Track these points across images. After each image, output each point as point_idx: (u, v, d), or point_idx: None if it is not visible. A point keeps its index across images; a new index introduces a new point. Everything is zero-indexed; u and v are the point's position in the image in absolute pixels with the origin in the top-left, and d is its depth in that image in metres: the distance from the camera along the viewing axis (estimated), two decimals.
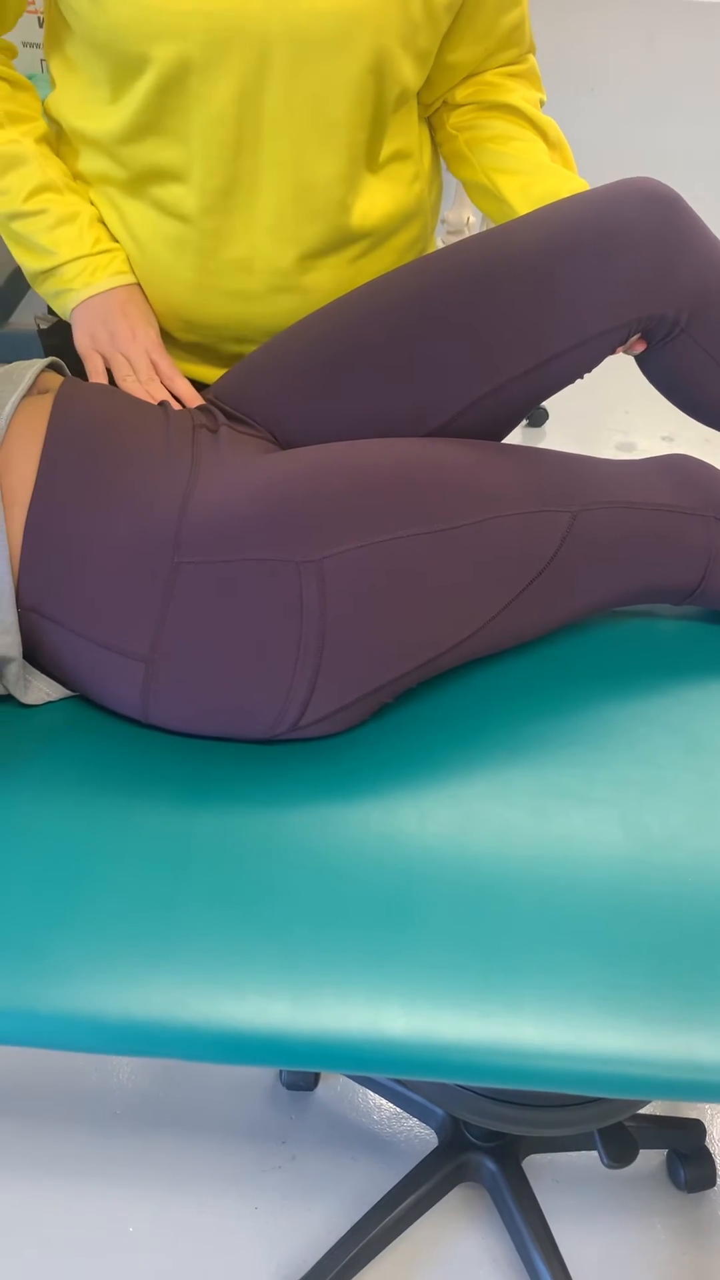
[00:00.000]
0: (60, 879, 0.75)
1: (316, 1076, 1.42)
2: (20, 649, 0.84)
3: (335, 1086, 1.42)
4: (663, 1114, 1.37)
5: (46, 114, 1.09)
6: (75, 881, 0.75)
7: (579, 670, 0.96)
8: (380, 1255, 1.26)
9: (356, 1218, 1.25)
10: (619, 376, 1.52)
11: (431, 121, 1.15)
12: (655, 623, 1.03)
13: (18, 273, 2.72)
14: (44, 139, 1.06)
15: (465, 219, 2.28)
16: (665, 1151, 1.37)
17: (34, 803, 0.80)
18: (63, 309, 1.07)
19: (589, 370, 0.98)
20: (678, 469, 0.98)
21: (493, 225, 1.04)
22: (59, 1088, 1.41)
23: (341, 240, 1.04)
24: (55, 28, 1.02)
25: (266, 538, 0.81)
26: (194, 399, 1.03)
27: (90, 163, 1.05)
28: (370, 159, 1.02)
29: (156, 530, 0.82)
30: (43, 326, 1.22)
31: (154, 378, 1.03)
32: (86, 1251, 1.26)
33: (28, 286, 2.85)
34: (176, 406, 1.01)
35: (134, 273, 1.06)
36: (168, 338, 1.12)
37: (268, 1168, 1.34)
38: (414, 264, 1.00)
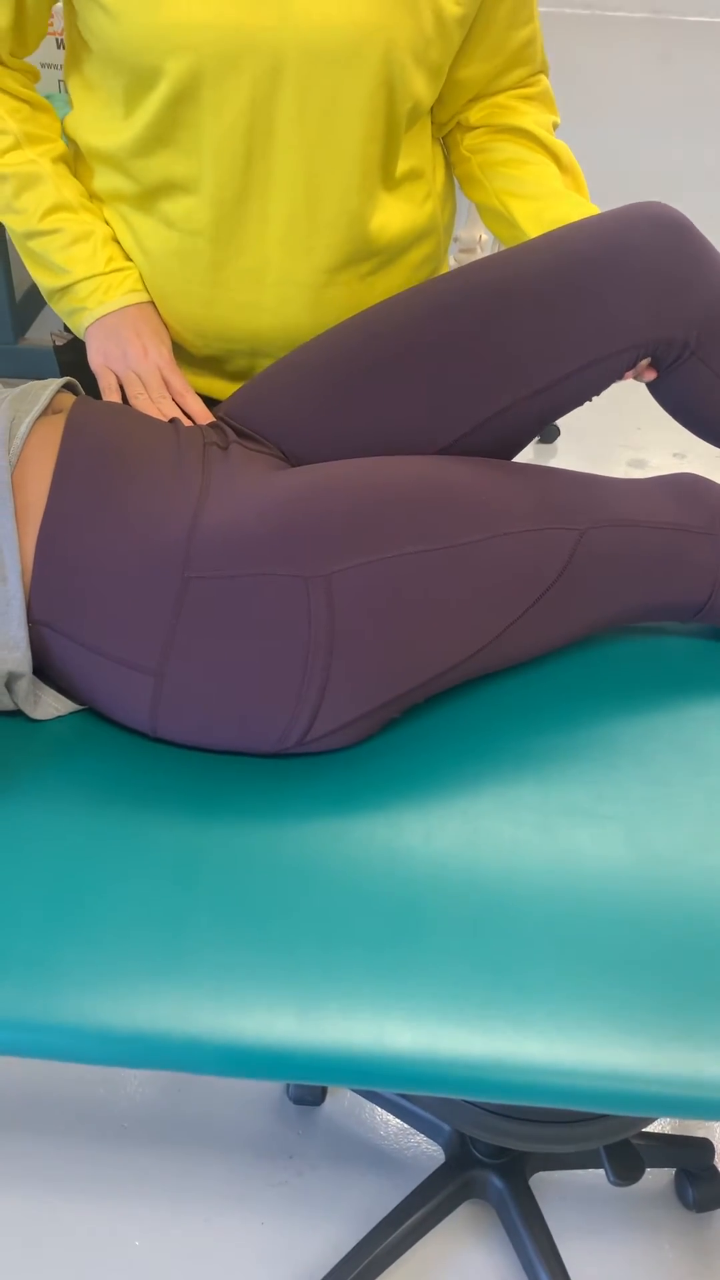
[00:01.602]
0: (69, 892, 0.76)
1: (324, 1091, 1.42)
2: (30, 664, 0.85)
3: (342, 1102, 1.42)
4: (671, 1132, 1.37)
5: (65, 134, 1.10)
6: (84, 895, 0.76)
7: (586, 687, 0.96)
8: (386, 1271, 1.26)
9: (363, 1233, 1.25)
10: (631, 394, 1.53)
11: (445, 142, 1.17)
12: (663, 640, 1.03)
13: (34, 290, 2.75)
14: (61, 159, 1.07)
15: (478, 238, 2.29)
16: (674, 1170, 1.36)
17: (43, 816, 0.81)
18: (77, 327, 1.09)
19: (598, 393, 0.99)
20: (685, 487, 0.99)
21: (504, 247, 1.05)
22: (66, 1102, 1.41)
23: (355, 255, 1.05)
24: (74, 49, 1.04)
25: (275, 553, 0.82)
26: (205, 416, 1.04)
27: (105, 180, 1.07)
28: (385, 175, 1.03)
29: (167, 545, 0.83)
30: (58, 343, 1.23)
31: (165, 395, 1.04)
32: (92, 1265, 1.26)
33: (44, 303, 2.87)
34: (188, 423, 1.02)
35: (147, 290, 1.08)
36: (181, 352, 1.13)
37: (274, 1182, 1.34)
38: (426, 285, 1.01)
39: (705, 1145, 1.33)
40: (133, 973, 0.72)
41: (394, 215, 1.06)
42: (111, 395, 1.05)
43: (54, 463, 0.87)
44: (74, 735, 0.87)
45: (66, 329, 1.17)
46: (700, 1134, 1.38)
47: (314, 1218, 1.31)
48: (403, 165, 1.05)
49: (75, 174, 1.10)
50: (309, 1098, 1.41)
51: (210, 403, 1.08)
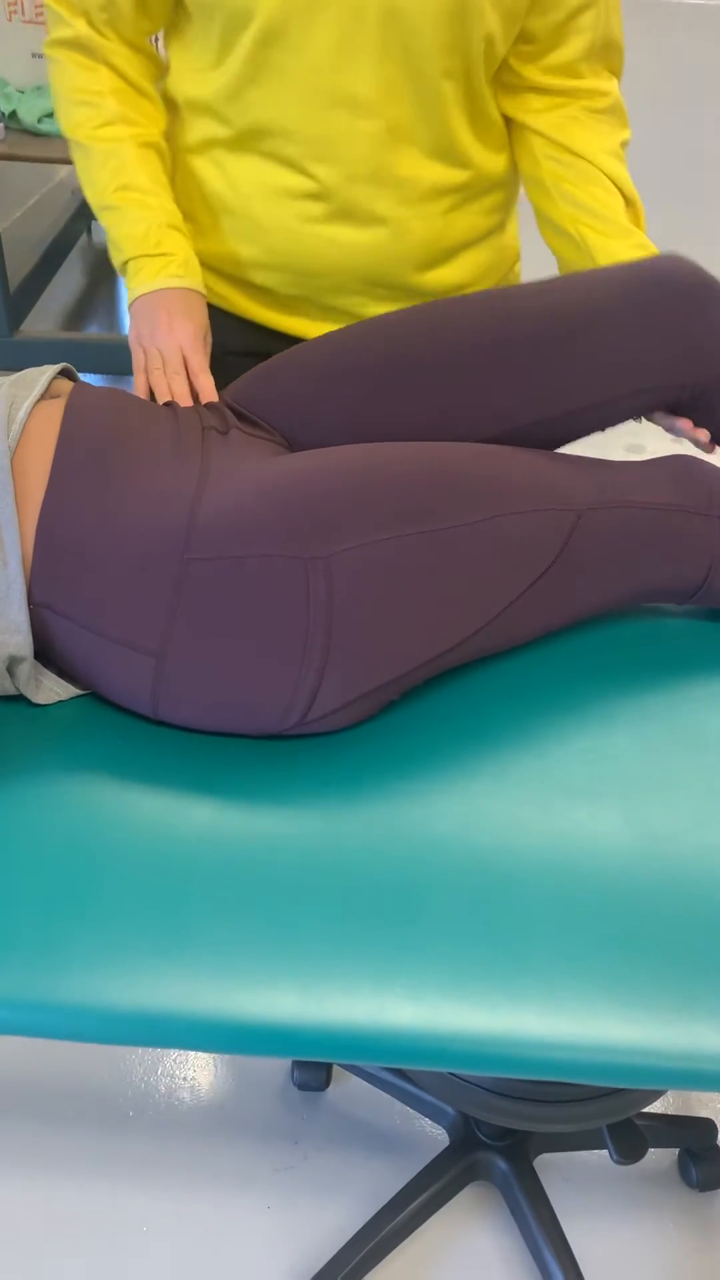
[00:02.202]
0: (71, 873, 0.76)
1: (328, 1076, 1.42)
2: (31, 648, 0.85)
3: (347, 1087, 1.43)
4: (674, 1112, 1.37)
5: (164, 96, 1.15)
6: (86, 875, 0.76)
7: (584, 667, 0.96)
8: (392, 1254, 1.27)
9: (368, 1217, 1.26)
10: None
11: (511, 128, 1.18)
12: (660, 621, 1.04)
13: (28, 283, 2.75)
14: (148, 145, 1.11)
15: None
16: (677, 1151, 1.37)
17: (44, 798, 0.81)
18: (129, 303, 1.13)
19: (612, 424, 1.04)
20: (682, 469, 0.99)
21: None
22: (73, 1088, 1.42)
23: (435, 191, 1.10)
24: (174, 18, 1.10)
25: (275, 535, 0.82)
26: (212, 395, 1.06)
27: (201, 129, 1.12)
28: (464, 114, 1.08)
29: (167, 527, 0.83)
30: None
31: (180, 371, 1.06)
32: (100, 1250, 1.26)
33: (39, 295, 2.88)
34: (188, 403, 1.04)
35: (191, 277, 1.10)
36: (270, 295, 1.18)
37: (280, 1167, 1.35)
38: (469, 298, 1.03)
39: (708, 1125, 1.33)
40: (136, 953, 0.72)
41: (474, 153, 1.12)
42: (139, 372, 1.08)
43: (54, 446, 0.87)
44: (75, 718, 0.88)
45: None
46: (703, 1114, 1.38)
47: (320, 1201, 1.31)
48: (479, 109, 1.10)
49: (171, 133, 1.15)
50: (313, 1083, 1.41)
51: (298, 342, 1.15)
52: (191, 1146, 1.36)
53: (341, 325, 1.18)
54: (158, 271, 1.08)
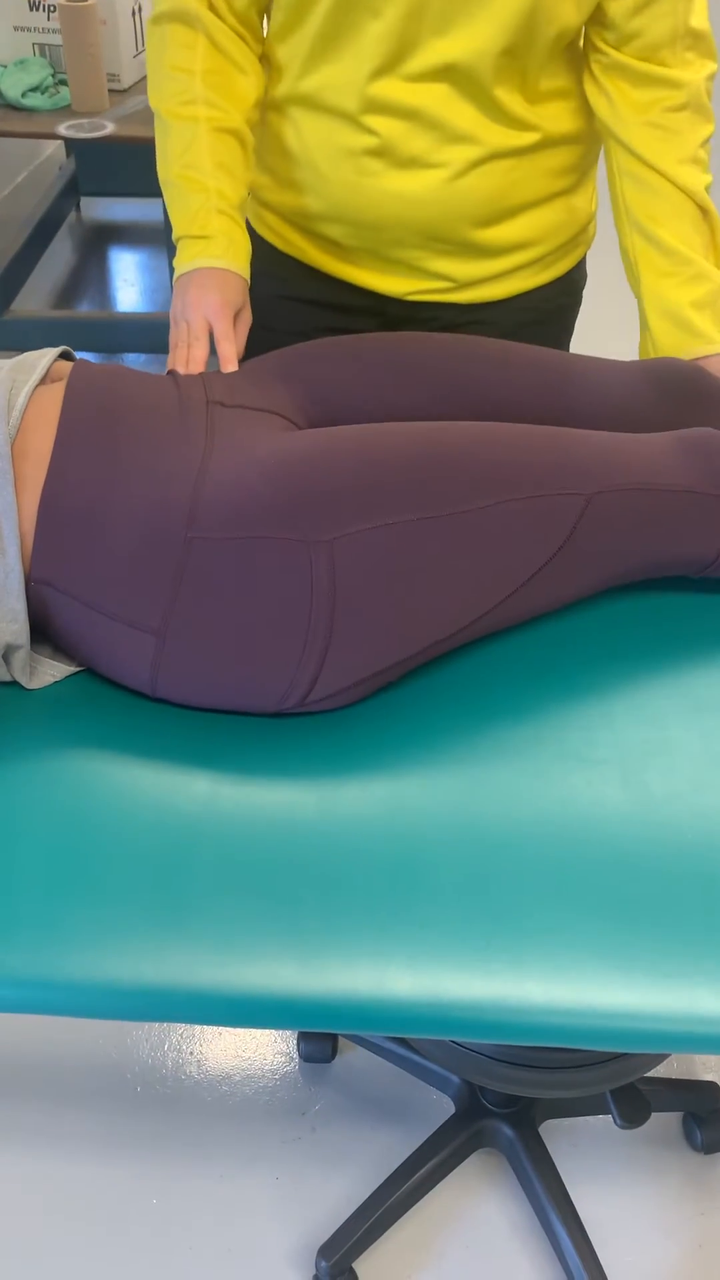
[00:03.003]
0: (72, 851, 0.76)
1: (334, 1048, 1.43)
2: (28, 636, 0.85)
3: (352, 1058, 1.44)
4: (678, 1077, 1.38)
5: (265, 55, 1.16)
6: (87, 853, 0.76)
7: (581, 637, 0.96)
8: (400, 1221, 1.28)
9: (376, 1185, 1.27)
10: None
11: (604, 138, 1.17)
12: (659, 591, 1.03)
13: (16, 262, 2.73)
14: (225, 130, 1.11)
15: None
16: (681, 1114, 1.38)
17: (42, 775, 0.81)
18: (173, 281, 1.14)
19: None
20: (698, 447, 0.96)
21: None
22: (80, 1064, 1.42)
23: (495, 150, 1.12)
24: None
25: (279, 517, 0.82)
26: (232, 363, 1.06)
27: (278, 87, 1.15)
28: (525, 83, 1.10)
29: (170, 505, 0.82)
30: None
31: (202, 338, 1.07)
32: (111, 1223, 1.28)
33: (28, 274, 2.85)
34: (200, 368, 1.04)
35: (228, 258, 1.10)
36: (337, 247, 1.21)
37: (288, 1139, 1.36)
38: (498, 354, 1.05)
39: (711, 1088, 1.34)
40: (137, 927, 0.72)
41: (535, 118, 1.12)
42: (173, 349, 1.09)
43: (55, 429, 0.86)
44: (73, 695, 0.87)
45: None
46: (707, 1077, 1.39)
47: (327, 1172, 1.33)
48: (548, 83, 1.12)
49: (266, 84, 1.16)
50: (319, 1055, 1.42)
51: (365, 294, 1.21)
52: (199, 1120, 1.37)
53: (405, 278, 1.21)
54: (199, 252, 1.10)
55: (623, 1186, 1.32)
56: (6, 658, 0.86)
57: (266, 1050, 1.45)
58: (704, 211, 1.13)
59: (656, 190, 1.12)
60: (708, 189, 1.13)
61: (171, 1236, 1.27)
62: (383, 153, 1.11)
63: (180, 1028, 1.47)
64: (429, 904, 0.74)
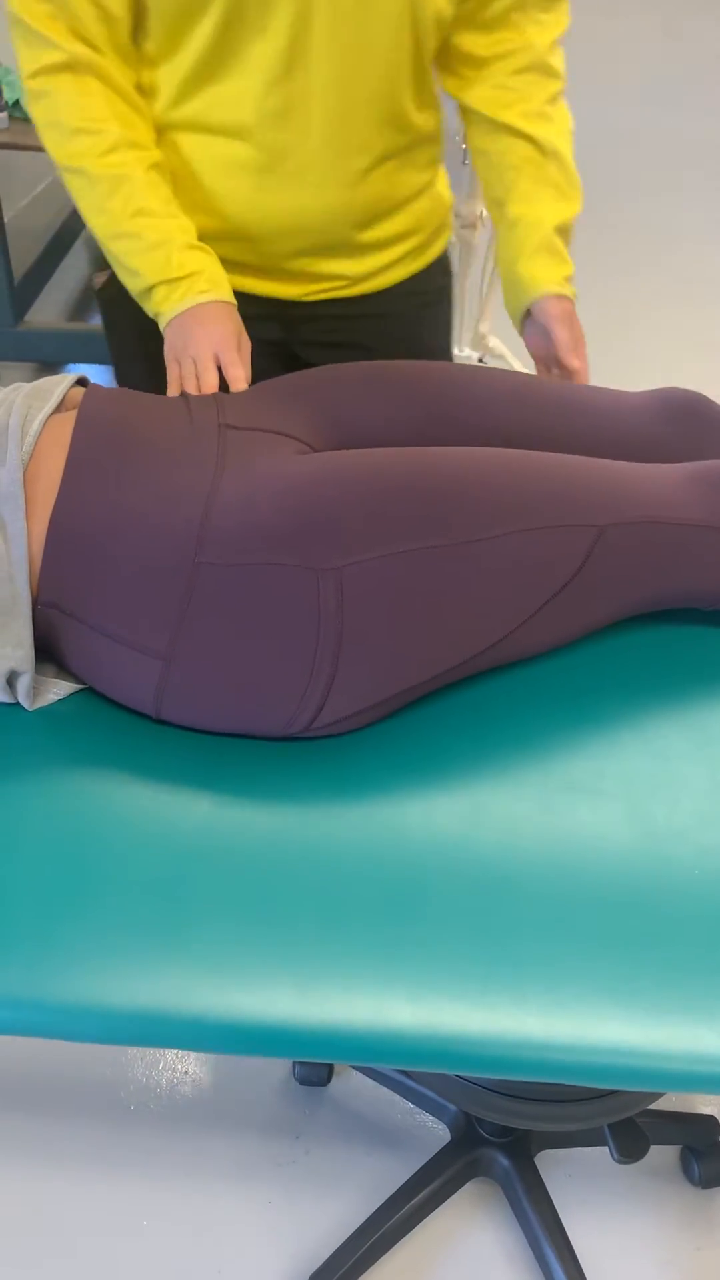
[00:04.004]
0: (71, 870, 0.76)
1: (330, 1071, 1.42)
2: (33, 663, 0.84)
3: (348, 1082, 1.42)
4: (676, 1110, 1.37)
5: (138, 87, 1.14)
6: (85, 873, 0.76)
7: (589, 668, 0.95)
8: (393, 1249, 1.27)
9: (370, 1212, 1.26)
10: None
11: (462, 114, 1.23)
12: (668, 623, 1.02)
13: (32, 273, 2.74)
14: (154, 167, 1.10)
15: (478, 213, 2.28)
16: (679, 1147, 1.37)
17: (45, 794, 0.81)
18: (161, 327, 1.12)
19: None
20: (711, 481, 0.96)
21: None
22: (74, 1082, 1.41)
23: (385, 153, 1.15)
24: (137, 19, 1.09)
25: (287, 543, 0.81)
26: (242, 384, 1.06)
27: (157, 111, 1.12)
28: (412, 81, 1.12)
29: (179, 530, 0.82)
30: (99, 284, 1.29)
31: (211, 367, 1.06)
32: (102, 1245, 1.26)
33: (43, 285, 2.86)
34: (216, 389, 1.05)
35: (216, 290, 1.10)
36: (236, 265, 1.19)
37: (282, 1162, 1.34)
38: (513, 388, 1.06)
39: (710, 1122, 1.33)
40: (134, 951, 0.72)
41: (415, 118, 1.16)
42: (174, 388, 1.08)
43: (66, 456, 0.86)
44: (75, 713, 0.87)
45: (107, 266, 1.23)
46: (706, 1110, 1.38)
47: (321, 1196, 1.31)
48: (423, 80, 1.14)
49: (142, 112, 1.14)
50: (315, 1078, 1.41)
51: (264, 301, 1.22)
52: (193, 1141, 1.36)
53: (301, 284, 1.23)
54: (185, 292, 1.08)
55: (618, 1219, 1.30)
56: (10, 682, 0.86)
57: (262, 1071, 1.44)
58: (545, 152, 1.18)
59: (505, 150, 1.18)
60: (560, 136, 1.19)
61: (163, 1258, 1.26)
62: (275, 168, 1.11)
63: None
64: (429, 934, 0.73)
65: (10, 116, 2.23)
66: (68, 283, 3.23)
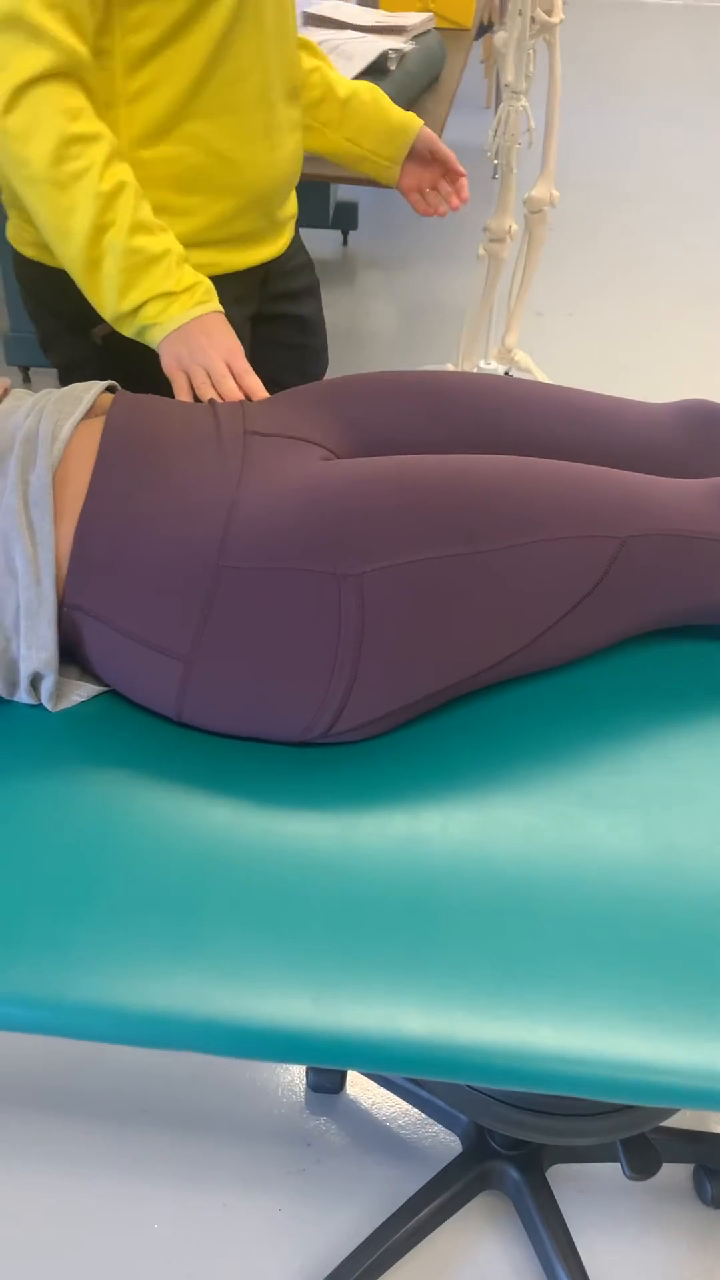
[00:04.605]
0: (86, 872, 0.76)
1: (342, 1080, 1.42)
2: (57, 665, 0.85)
3: (361, 1091, 1.42)
4: (690, 1128, 1.36)
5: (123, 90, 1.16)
6: (101, 874, 0.76)
7: (610, 679, 0.95)
8: (402, 1260, 1.26)
9: (379, 1222, 1.26)
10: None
11: None
12: (692, 637, 1.02)
13: None
14: (135, 184, 1.08)
15: (507, 228, 2.28)
16: (692, 1166, 1.36)
17: (66, 796, 0.81)
18: (151, 342, 1.11)
19: None
20: None
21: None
22: (86, 1084, 1.42)
23: (302, 107, 1.37)
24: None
25: (309, 549, 0.82)
26: (261, 393, 1.07)
27: (179, 106, 1.16)
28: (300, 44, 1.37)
29: (203, 534, 0.83)
30: (100, 338, 1.27)
31: (227, 376, 1.08)
32: (111, 1247, 1.27)
33: None
34: (241, 398, 1.06)
35: (214, 301, 1.12)
36: (240, 239, 1.27)
37: (292, 1170, 1.34)
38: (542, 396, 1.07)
39: None
40: (149, 953, 0.72)
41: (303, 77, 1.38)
42: (184, 395, 1.09)
43: (93, 461, 0.88)
44: (97, 716, 0.88)
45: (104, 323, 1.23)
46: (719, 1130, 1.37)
47: (330, 1205, 1.31)
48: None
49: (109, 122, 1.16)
50: (328, 1086, 1.41)
51: (251, 274, 1.32)
52: (203, 1145, 1.36)
53: (278, 238, 1.35)
54: (185, 304, 1.08)
55: (629, 1237, 1.30)
56: (35, 684, 0.87)
57: (274, 1078, 1.44)
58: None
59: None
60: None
61: (171, 1262, 1.26)
62: (273, 126, 1.24)
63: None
64: (444, 943, 0.73)
65: None
66: None
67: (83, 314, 1.22)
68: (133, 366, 1.25)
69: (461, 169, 1.42)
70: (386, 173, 1.43)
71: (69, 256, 1.06)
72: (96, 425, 0.92)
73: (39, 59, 0.99)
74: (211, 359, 1.08)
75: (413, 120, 1.40)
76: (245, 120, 1.20)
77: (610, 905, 0.76)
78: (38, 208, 1.04)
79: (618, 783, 0.84)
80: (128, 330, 1.11)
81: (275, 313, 1.43)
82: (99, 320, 1.24)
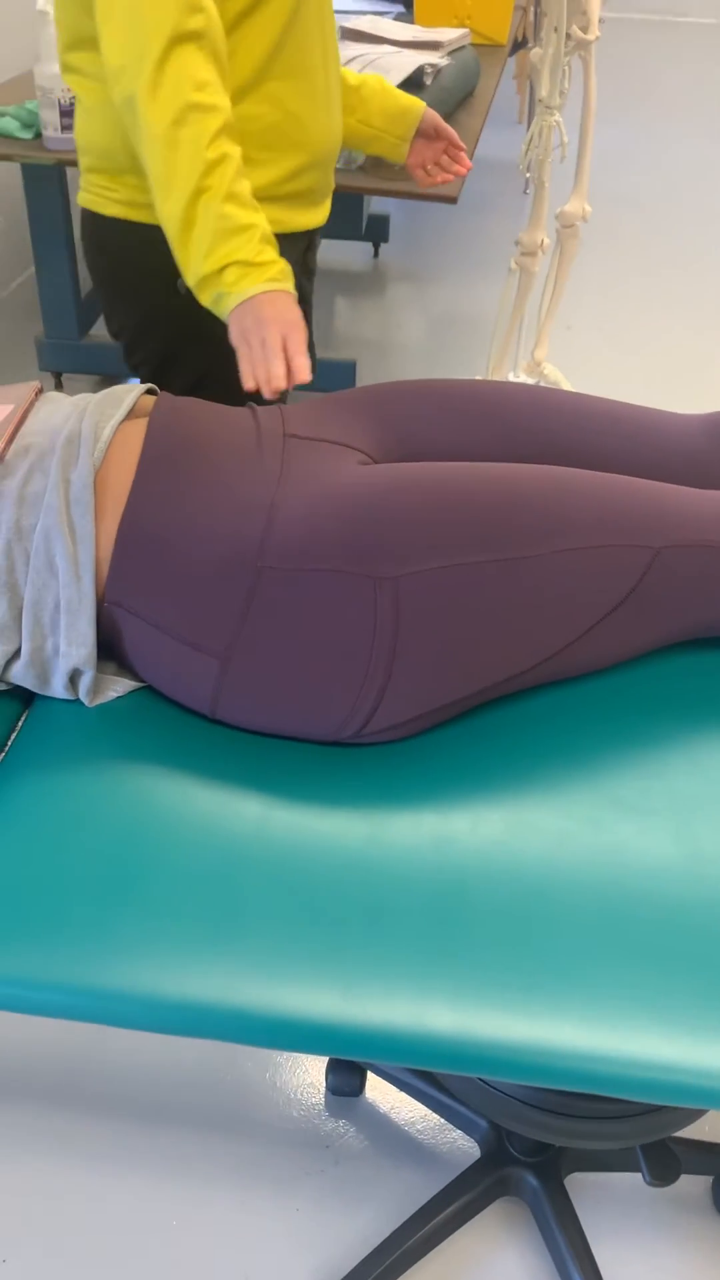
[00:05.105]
0: (126, 863, 0.78)
1: (362, 1082, 1.43)
2: (95, 662, 0.87)
3: (380, 1094, 1.43)
4: (711, 1139, 1.36)
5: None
6: (140, 866, 0.78)
7: (641, 684, 0.96)
8: (418, 1264, 1.26)
9: (396, 1225, 1.26)
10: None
11: None
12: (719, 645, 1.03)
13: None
14: (241, 162, 1.18)
15: (539, 241, 2.30)
16: (711, 1178, 1.35)
17: (102, 789, 0.83)
18: (223, 311, 1.17)
19: None
20: None
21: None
22: (108, 1083, 1.43)
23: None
24: None
25: (347, 552, 0.83)
26: (305, 375, 1.10)
27: (250, 70, 1.26)
28: None
29: (243, 535, 0.85)
30: (181, 291, 1.37)
31: (279, 354, 1.11)
32: (130, 1241, 1.28)
33: None
34: (281, 384, 1.09)
35: (287, 281, 1.18)
36: (300, 197, 1.38)
37: (310, 1170, 1.35)
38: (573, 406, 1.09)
39: None
40: (184, 944, 0.73)
41: None
42: (245, 365, 1.14)
43: (135, 461, 0.89)
44: (133, 710, 0.89)
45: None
46: None
47: (348, 1207, 1.32)
48: None
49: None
50: (347, 1088, 1.42)
51: (300, 238, 1.42)
52: (223, 1142, 1.37)
53: (325, 203, 1.44)
54: (259, 277, 1.14)
55: (646, 1248, 1.29)
56: (74, 680, 0.89)
57: (294, 1079, 1.44)
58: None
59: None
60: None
61: (188, 1258, 1.27)
62: (332, 96, 1.36)
63: (210, 1047, 1.47)
64: (472, 941, 0.74)
65: None
66: None
67: (155, 270, 1.33)
68: (194, 327, 1.34)
69: (461, 143, 1.55)
70: (396, 150, 1.54)
71: (168, 213, 1.14)
72: (137, 427, 0.93)
73: (190, 21, 1.10)
74: (270, 333, 1.12)
75: (417, 103, 1.52)
76: (312, 82, 1.31)
77: (638, 908, 0.76)
78: (151, 163, 1.13)
79: (646, 787, 0.85)
80: (206, 297, 1.17)
81: (296, 287, 1.51)
82: (168, 281, 1.35)
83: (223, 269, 1.13)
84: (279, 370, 1.10)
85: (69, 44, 1.26)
